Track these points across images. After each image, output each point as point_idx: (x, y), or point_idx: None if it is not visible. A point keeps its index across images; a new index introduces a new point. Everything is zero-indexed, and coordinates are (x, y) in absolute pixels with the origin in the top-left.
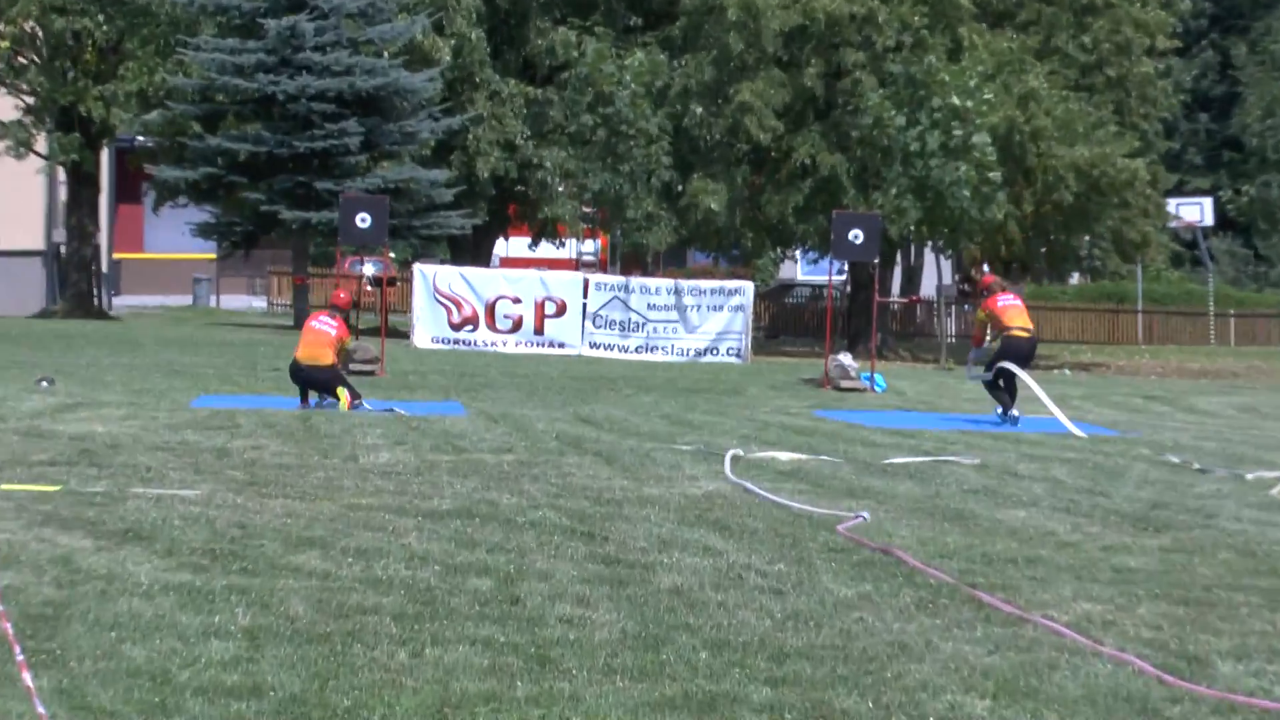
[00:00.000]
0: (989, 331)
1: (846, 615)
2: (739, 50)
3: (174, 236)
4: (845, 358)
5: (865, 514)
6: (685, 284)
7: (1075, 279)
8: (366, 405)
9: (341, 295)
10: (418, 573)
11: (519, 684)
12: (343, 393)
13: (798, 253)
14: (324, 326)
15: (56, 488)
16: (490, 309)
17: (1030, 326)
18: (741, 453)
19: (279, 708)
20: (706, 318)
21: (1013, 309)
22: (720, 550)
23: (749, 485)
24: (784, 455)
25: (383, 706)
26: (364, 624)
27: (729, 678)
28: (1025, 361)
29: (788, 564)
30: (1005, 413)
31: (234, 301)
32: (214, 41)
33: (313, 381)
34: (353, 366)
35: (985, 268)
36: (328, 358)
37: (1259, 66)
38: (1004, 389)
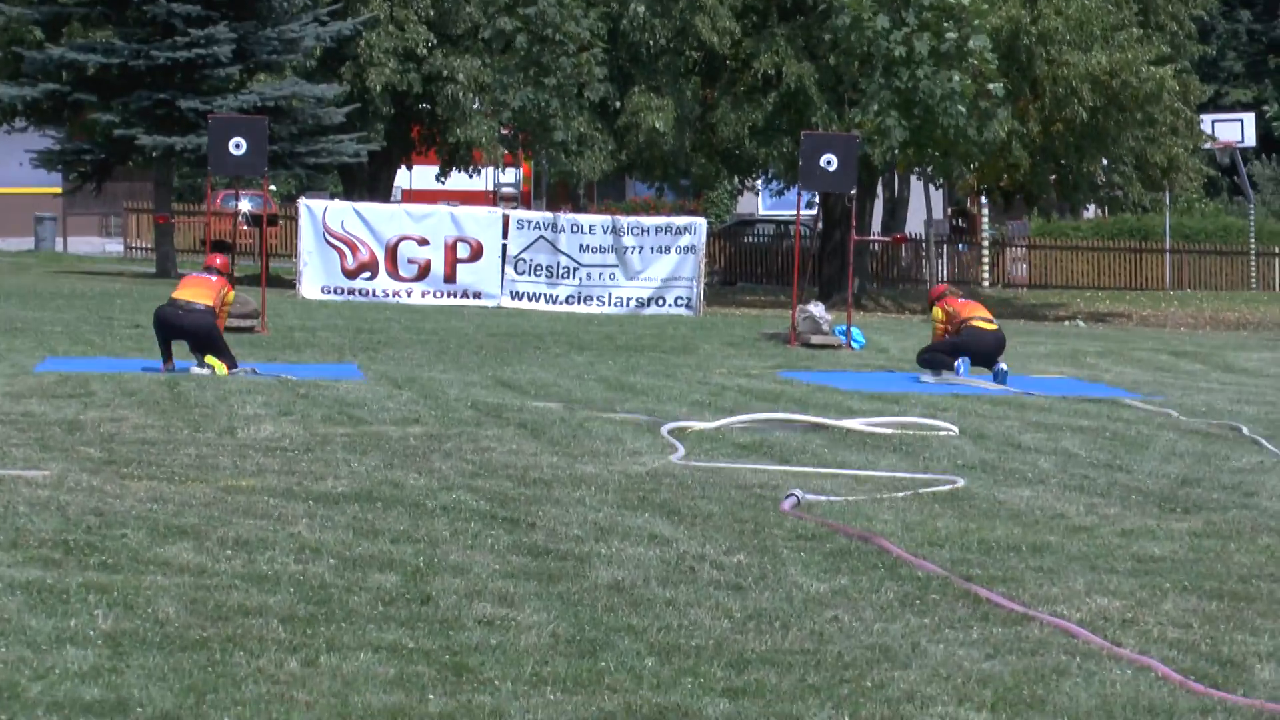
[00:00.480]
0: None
1: (819, 614)
2: None
3: (10, 167)
4: (816, 308)
5: (798, 491)
6: (625, 221)
7: (1091, 212)
8: (247, 370)
9: (218, 259)
10: (309, 567)
11: (430, 697)
12: (217, 362)
13: (759, 183)
14: (205, 275)
15: None
16: (391, 252)
17: (994, 321)
18: (694, 425)
19: None
20: (650, 261)
21: (971, 302)
22: (669, 538)
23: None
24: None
25: None
26: (247, 628)
27: (679, 688)
28: (992, 358)
29: (748, 554)
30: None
31: (84, 244)
32: None
33: (185, 331)
34: (229, 322)
35: (983, 200)
36: (207, 299)
37: None
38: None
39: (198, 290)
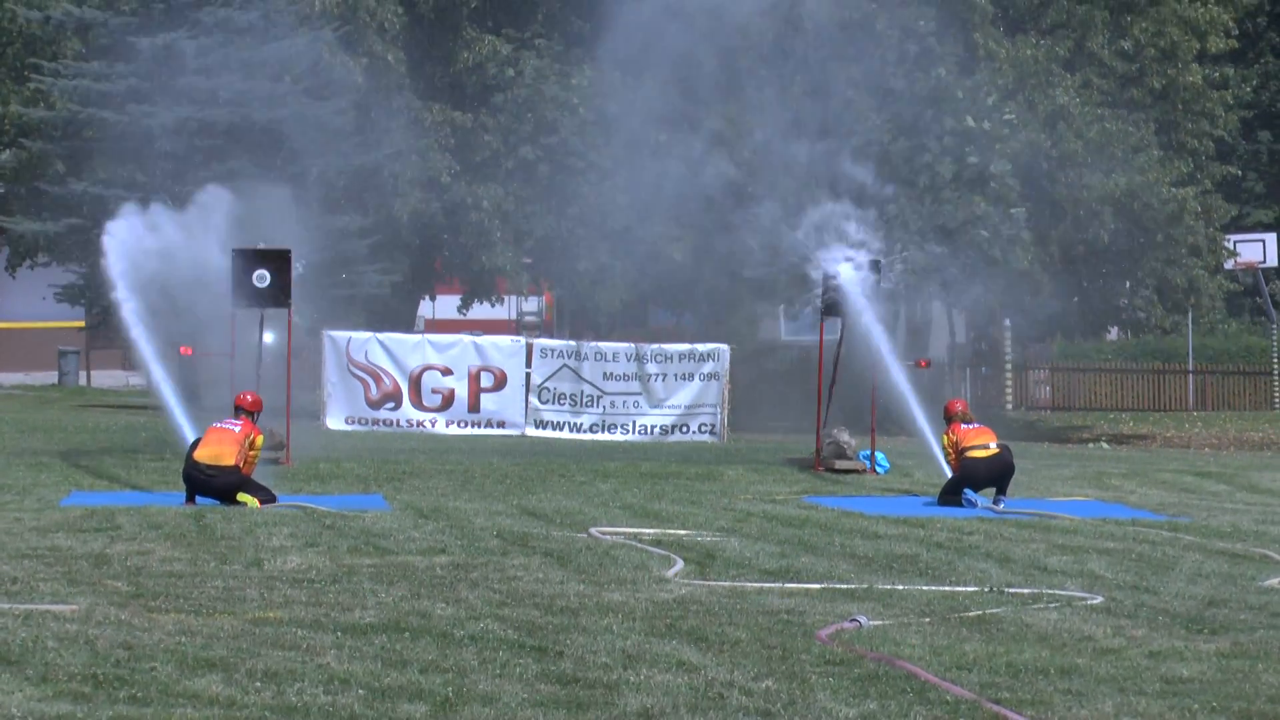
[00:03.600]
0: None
1: None
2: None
3: (33, 302)
4: (842, 434)
5: (863, 617)
6: (649, 348)
7: (1114, 334)
8: (289, 504)
9: (249, 397)
10: (338, 698)
11: None
12: (249, 498)
13: (780, 308)
14: (229, 425)
15: None
16: (415, 382)
17: (993, 445)
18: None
19: None
20: (675, 389)
21: (974, 429)
22: (696, 665)
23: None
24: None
25: None
26: None
27: None
28: (993, 481)
29: (777, 680)
30: (980, 501)
31: (108, 378)
32: (76, 66)
33: (214, 493)
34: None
35: (1006, 324)
36: (230, 458)
37: None
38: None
39: (221, 449)
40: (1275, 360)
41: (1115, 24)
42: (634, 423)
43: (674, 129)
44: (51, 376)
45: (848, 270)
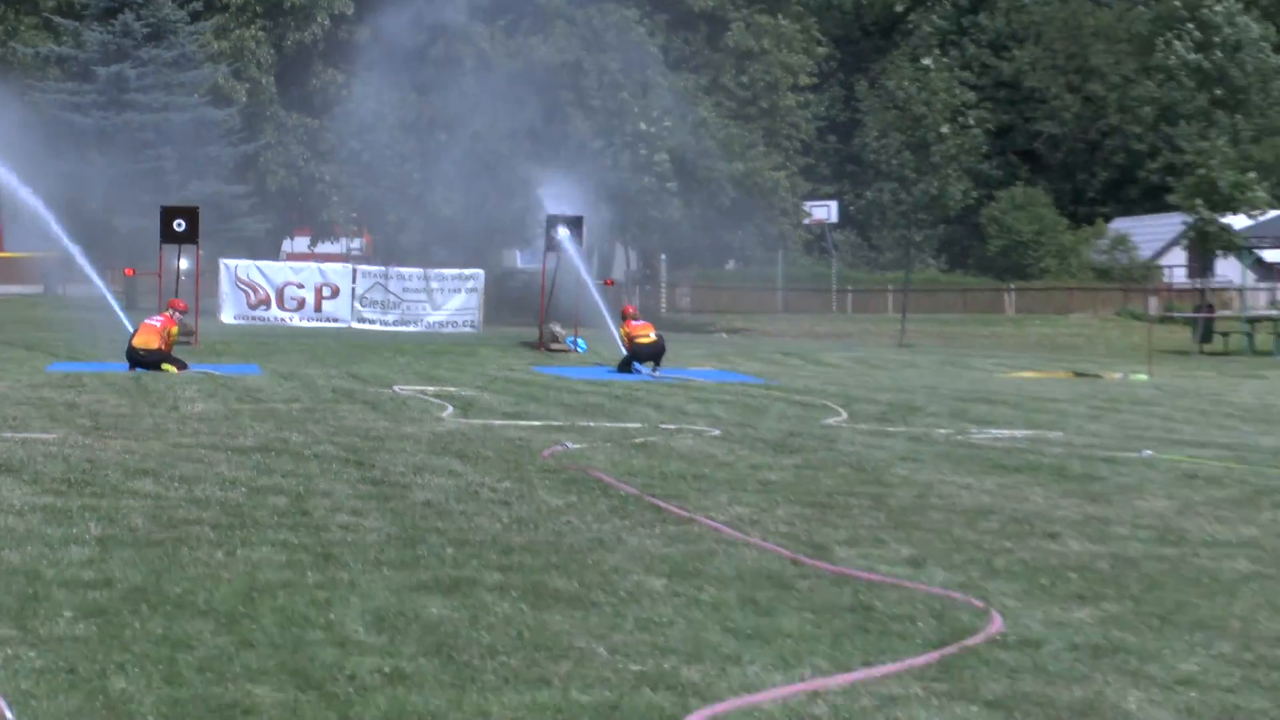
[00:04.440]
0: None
1: (558, 519)
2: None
3: (28, 237)
4: (555, 326)
5: (569, 443)
6: (432, 272)
7: (732, 264)
8: (198, 370)
9: (177, 302)
10: (229, 493)
11: (309, 574)
12: (170, 367)
13: (515, 249)
14: (153, 321)
15: None
16: (280, 292)
17: (653, 335)
18: (451, 408)
19: (125, 595)
20: (448, 298)
21: (643, 324)
22: (460, 473)
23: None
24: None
25: (205, 592)
26: (189, 533)
27: (469, 566)
28: (653, 358)
29: (513, 482)
30: (644, 371)
31: (78, 289)
32: (56, 85)
33: (142, 362)
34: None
35: (664, 257)
36: (154, 343)
37: (875, 99)
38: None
39: (148, 337)
40: (833, 282)
41: (738, 66)
42: (422, 319)
43: (444, 129)
44: (40, 289)
45: (561, 225)
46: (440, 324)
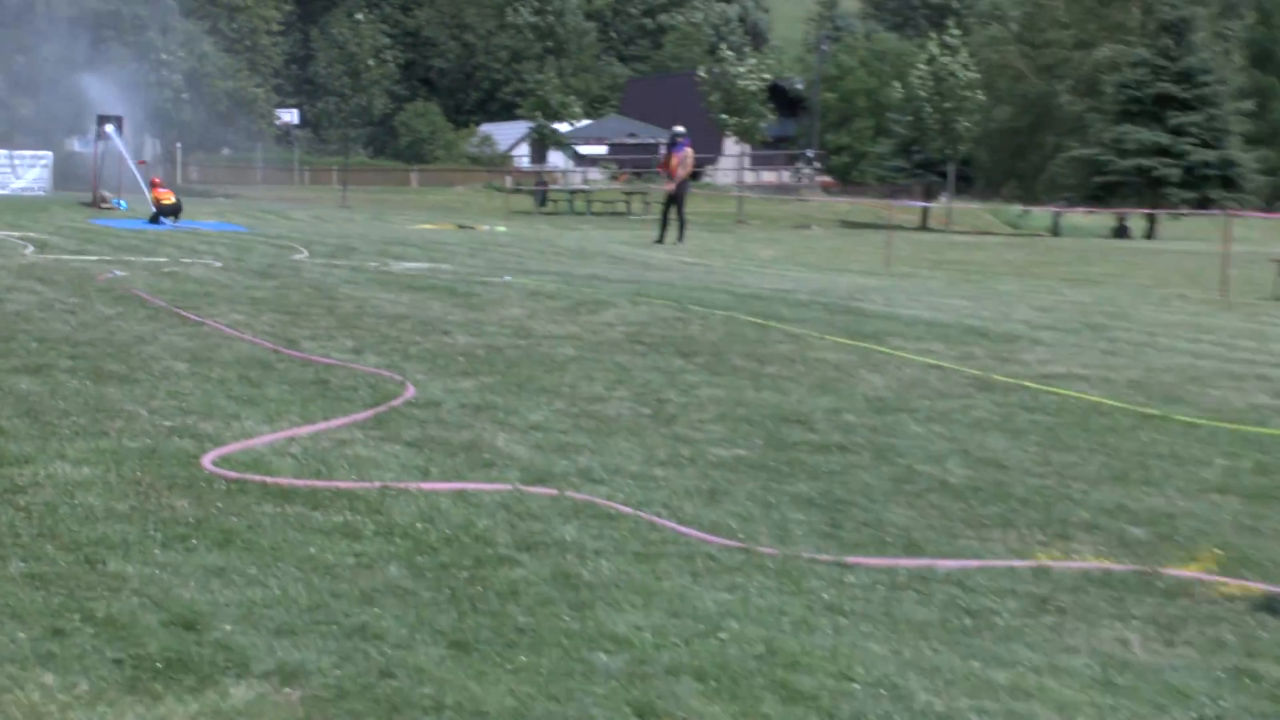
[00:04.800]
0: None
1: (110, 323)
2: None
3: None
4: (104, 190)
5: (117, 271)
6: (15, 153)
7: (226, 151)
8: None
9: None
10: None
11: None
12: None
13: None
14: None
15: None
16: None
17: (174, 199)
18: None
19: None
20: (27, 171)
21: (165, 191)
22: (40, 292)
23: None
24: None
25: None
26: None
27: (48, 356)
28: (175, 213)
29: (78, 298)
30: (165, 222)
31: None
32: None
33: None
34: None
35: (178, 145)
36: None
37: (324, 40)
38: (159, 220)
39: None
40: (296, 164)
41: (230, 16)
42: (8, 186)
43: (23, 53)
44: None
45: (109, 124)
46: (22, 190)
